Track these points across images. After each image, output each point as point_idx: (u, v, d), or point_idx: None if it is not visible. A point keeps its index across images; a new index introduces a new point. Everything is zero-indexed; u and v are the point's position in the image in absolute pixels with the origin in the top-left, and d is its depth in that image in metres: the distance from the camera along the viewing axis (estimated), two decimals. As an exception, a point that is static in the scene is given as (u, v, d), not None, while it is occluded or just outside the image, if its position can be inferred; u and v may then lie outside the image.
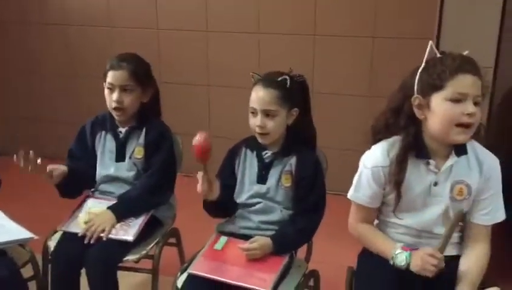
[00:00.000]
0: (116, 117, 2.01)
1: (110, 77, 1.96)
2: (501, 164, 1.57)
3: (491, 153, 1.55)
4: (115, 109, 1.97)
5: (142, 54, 2.07)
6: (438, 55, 1.49)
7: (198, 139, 1.59)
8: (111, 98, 1.97)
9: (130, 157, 2.02)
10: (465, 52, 1.49)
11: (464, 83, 1.41)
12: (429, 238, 1.55)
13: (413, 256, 1.47)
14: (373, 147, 1.58)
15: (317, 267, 1.94)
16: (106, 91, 1.99)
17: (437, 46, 2.23)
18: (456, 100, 1.41)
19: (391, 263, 1.50)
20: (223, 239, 1.77)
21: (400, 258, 1.48)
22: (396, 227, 1.58)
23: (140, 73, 1.98)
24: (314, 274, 1.90)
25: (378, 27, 3.02)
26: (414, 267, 1.45)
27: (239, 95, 2.13)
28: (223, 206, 1.81)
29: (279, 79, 1.76)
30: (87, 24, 3.59)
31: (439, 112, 1.43)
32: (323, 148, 1.95)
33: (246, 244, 1.66)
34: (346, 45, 3.10)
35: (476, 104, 1.43)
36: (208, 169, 1.63)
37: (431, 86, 1.44)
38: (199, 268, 1.66)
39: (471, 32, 2.16)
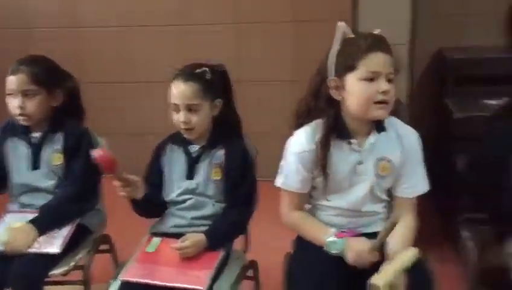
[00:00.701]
0: (22, 123, 1.89)
1: (9, 82, 1.84)
2: (423, 137, 1.62)
3: (410, 127, 1.59)
4: (19, 115, 1.85)
5: (63, 54, 1.95)
6: (351, 35, 1.50)
7: (95, 156, 1.54)
8: (13, 105, 1.85)
9: (46, 165, 1.90)
10: (377, 31, 1.52)
11: (376, 61, 1.44)
12: (359, 217, 1.58)
13: (347, 245, 1.47)
14: (297, 132, 1.58)
15: (257, 256, 1.93)
16: (7, 98, 1.86)
17: (354, 27, 2.29)
18: (370, 79, 1.43)
19: (325, 249, 1.51)
20: (156, 240, 1.72)
21: (333, 246, 1.49)
22: (327, 209, 1.60)
23: (42, 75, 1.85)
24: (253, 265, 1.89)
25: (298, 11, 3.04)
26: (349, 258, 1.47)
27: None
28: (152, 206, 1.75)
29: (199, 71, 1.72)
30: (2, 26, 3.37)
31: (354, 92, 1.45)
32: (252, 135, 1.94)
33: (178, 243, 1.62)
34: (267, 31, 3.10)
35: (389, 81, 1.45)
36: (120, 174, 1.58)
37: (344, 67, 1.46)
38: (130, 274, 1.60)
39: (386, 10, 2.22)
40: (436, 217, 2.85)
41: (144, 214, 1.79)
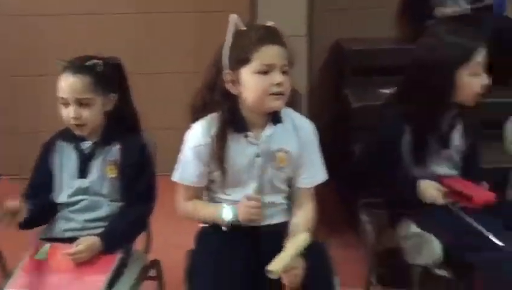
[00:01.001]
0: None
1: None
2: (325, 127, 1.65)
3: (305, 118, 1.60)
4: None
5: None
6: (243, 28, 1.48)
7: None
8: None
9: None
10: (270, 23, 1.51)
11: (269, 54, 1.43)
12: (265, 208, 1.56)
13: (238, 208, 1.48)
14: (193, 126, 1.54)
15: (159, 255, 1.87)
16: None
17: (252, 19, 2.29)
18: (264, 72, 1.43)
19: (221, 222, 1.50)
20: (46, 247, 1.59)
21: (226, 212, 1.49)
22: (226, 203, 1.57)
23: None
24: (154, 264, 1.83)
25: (199, 2, 2.98)
26: (241, 217, 1.47)
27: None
28: (41, 212, 1.63)
29: (89, 63, 1.63)
30: None
31: (249, 86, 1.44)
32: (154, 130, 1.87)
33: (72, 249, 1.52)
34: (168, 22, 3.02)
35: (284, 72, 1.45)
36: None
37: (238, 61, 1.44)
38: (17, 285, 1.48)
39: (283, 2, 2.23)
40: (339, 205, 2.96)
41: (35, 226, 1.66)
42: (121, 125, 1.71)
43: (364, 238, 2.17)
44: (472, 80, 1.66)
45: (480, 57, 1.65)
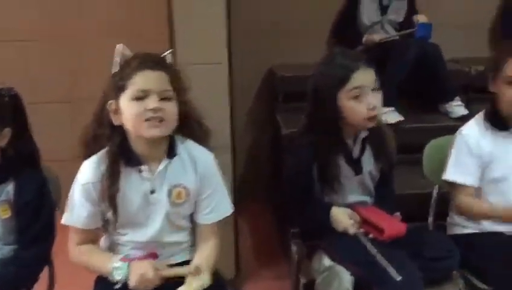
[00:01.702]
0: None
1: None
2: (261, 156, 1.58)
3: (204, 149, 1.54)
4: None
5: None
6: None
7: None
8: None
9: None
10: (168, 52, 1.46)
11: (144, 79, 1.38)
12: (162, 249, 1.49)
13: (130, 269, 1.38)
14: (85, 162, 1.46)
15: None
16: None
17: (172, 47, 2.24)
18: (139, 98, 1.37)
19: (111, 278, 1.40)
20: None
21: (117, 272, 1.39)
22: (126, 244, 1.49)
23: None
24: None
25: (117, 28, 2.88)
26: (132, 283, 1.37)
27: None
28: None
29: None
30: None
31: (126, 113, 1.38)
32: (57, 163, 1.76)
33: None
34: (86, 48, 2.92)
35: (165, 99, 1.39)
36: None
37: (117, 88, 1.39)
38: None
39: (202, 31, 2.19)
40: (276, 233, 2.92)
41: None
42: (17, 161, 1.61)
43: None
44: (354, 104, 1.62)
45: (359, 81, 1.62)
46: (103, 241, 1.55)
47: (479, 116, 1.82)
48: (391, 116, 2.82)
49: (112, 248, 1.52)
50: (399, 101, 2.88)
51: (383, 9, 3.15)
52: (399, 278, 1.43)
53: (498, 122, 1.76)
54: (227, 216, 1.55)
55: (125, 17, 2.79)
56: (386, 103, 2.81)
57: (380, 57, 2.91)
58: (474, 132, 1.78)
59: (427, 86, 2.91)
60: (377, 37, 3.04)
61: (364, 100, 1.62)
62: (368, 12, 3.14)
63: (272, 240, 2.88)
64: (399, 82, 2.86)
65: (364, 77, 1.64)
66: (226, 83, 2.26)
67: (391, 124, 2.80)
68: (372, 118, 1.65)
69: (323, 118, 1.67)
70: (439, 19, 3.18)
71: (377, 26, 3.15)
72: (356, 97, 1.62)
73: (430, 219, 2.06)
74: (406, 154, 2.23)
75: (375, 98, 1.65)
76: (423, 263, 1.59)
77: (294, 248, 2.08)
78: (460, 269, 1.74)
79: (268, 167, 3.15)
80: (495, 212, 1.75)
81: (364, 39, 3.08)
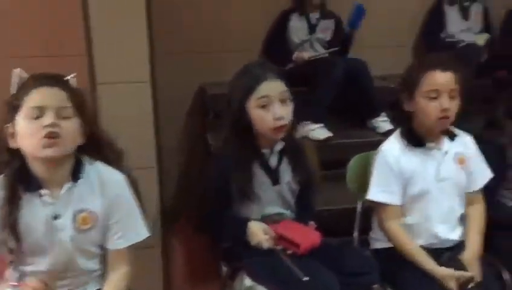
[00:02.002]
0: None
1: None
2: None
3: (115, 171, 1.47)
4: None
5: None
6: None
7: None
8: None
9: None
10: (71, 76, 1.40)
11: (39, 96, 1.32)
12: (73, 278, 1.42)
13: None
14: None
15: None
16: None
17: (91, 65, 2.17)
18: (35, 116, 1.30)
19: None
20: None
21: None
22: (33, 273, 1.40)
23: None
24: None
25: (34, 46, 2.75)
26: None
27: None
28: None
29: None
30: None
31: (22, 133, 1.31)
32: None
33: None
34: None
35: (64, 117, 1.33)
36: None
37: (13, 109, 1.32)
38: None
39: (123, 50, 2.13)
40: (209, 252, 2.86)
41: None
42: None
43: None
44: (261, 113, 1.65)
45: (266, 90, 1.65)
46: (10, 273, 1.45)
47: (397, 134, 1.84)
48: (320, 132, 2.85)
49: (22, 279, 1.42)
50: (328, 118, 2.91)
51: (312, 28, 3.21)
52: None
53: (414, 139, 1.79)
54: (141, 241, 1.48)
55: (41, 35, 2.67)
56: (315, 119, 2.92)
57: (310, 75, 2.97)
58: (393, 150, 1.80)
59: (355, 102, 2.97)
60: (306, 54, 3.08)
61: (271, 110, 1.65)
62: (297, 31, 3.19)
63: (205, 261, 2.81)
64: (328, 99, 2.90)
65: (272, 87, 1.67)
66: (149, 101, 2.20)
67: (320, 140, 2.85)
68: (278, 128, 1.67)
69: (238, 128, 1.69)
70: (367, 38, 3.30)
71: (306, 44, 3.20)
72: (263, 106, 1.65)
73: (355, 234, 2.07)
74: (335, 170, 2.26)
75: (283, 109, 1.67)
76: (343, 278, 1.59)
77: (224, 269, 2.04)
78: (382, 283, 1.76)
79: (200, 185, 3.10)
80: (418, 259, 1.71)
81: (294, 57, 3.11)
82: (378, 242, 1.89)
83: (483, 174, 1.84)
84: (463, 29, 3.35)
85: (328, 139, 2.84)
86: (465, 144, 1.84)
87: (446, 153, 1.79)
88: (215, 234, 1.78)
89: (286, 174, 1.77)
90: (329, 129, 2.87)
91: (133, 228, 1.46)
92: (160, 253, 2.41)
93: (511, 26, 3.43)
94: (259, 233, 1.65)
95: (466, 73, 2.94)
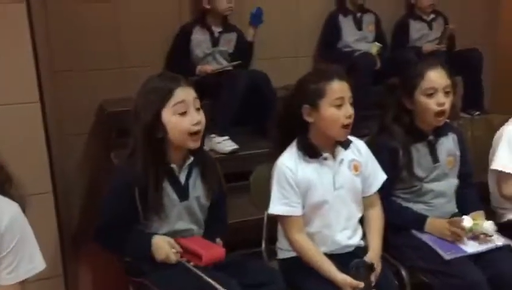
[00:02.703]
0: None
1: None
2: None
3: (6, 199, 1.32)
4: None
5: None
6: None
7: None
8: None
9: None
10: None
11: None
12: None
13: None
14: None
15: None
16: None
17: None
18: None
19: None
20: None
21: None
22: None
23: None
24: None
25: None
26: None
27: None
28: None
29: None
30: None
31: None
32: None
33: None
34: None
35: None
36: None
37: None
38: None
39: (9, 70, 2.01)
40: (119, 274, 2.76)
41: None
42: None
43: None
44: (179, 120, 1.64)
45: (181, 96, 1.64)
46: None
47: (293, 146, 1.88)
48: (226, 145, 2.85)
49: None
50: (233, 130, 2.93)
51: (215, 41, 3.22)
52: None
53: (310, 150, 1.83)
54: (40, 271, 1.37)
55: None
56: (220, 132, 2.92)
57: (214, 87, 2.97)
58: (289, 162, 1.82)
59: (259, 114, 3.01)
60: (209, 67, 3.08)
61: (188, 115, 1.65)
62: (200, 44, 3.18)
63: (113, 284, 2.71)
64: (232, 111, 2.92)
65: (187, 92, 1.66)
66: (40, 122, 2.08)
67: (226, 153, 2.85)
68: (195, 134, 1.66)
69: (148, 141, 1.64)
70: (268, 50, 3.37)
71: (209, 57, 3.20)
72: (180, 113, 1.63)
73: (263, 245, 2.09)
74: (243, 181, 2.27)
75: (199, 115, 1.67)
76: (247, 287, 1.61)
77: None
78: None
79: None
80: (321, 267, 1.75)
81: (197, 70, 3.10)
82: (284, 252, 1.92)
83: (378, 177, 1.92)
84: (357, 38, 3.52)
85: (234, 151, 2.85)
86: (359, 150, 1.91)
87: (341, 161, 1.85)
88: (117, 248, 1.73)
89: (196, 189, 1.76)
90: (235, 141, 2.88)
91: (27, 260, 1.35)
92: (64, 282, 2.29)
93: (399, 36, 3.68)
94: (165, 247, 1.63)
95: (362, 80, 3.19)
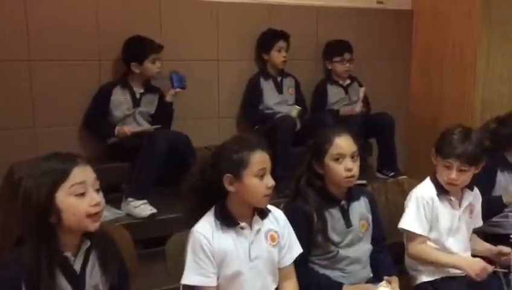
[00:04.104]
0: None
1: None
2: None
3: None
4: None
5: None
6: None
7: None
8: None
9: None
10: None
11: None
12: None
13: None
14: None
15: None
16: None
17: None
18: None
19: None
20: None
21: None
22: None
23: None
24: None
25: None
26: None
27: None
28: None
29: None
30: None
31: None
32: None
33: None
34: None
35: None
36: None
37: None
38: None
39: None
40: None
41: None
42: None
43: None
44: (76, 201, 1.52)
45: (80, 177, 1.53)
46: None
47: (211, 213, 1.84)
48: (144, 209, 2.77)
49: None
50: (152, 193, 2.86)
51: (136, 102, 3.18)
52: None
53: (227, 219, 1.80)
54: None
55: None
56: (139, 195, 2.83)
57: (133, 149, 2.91)
58: (205, 231, 1.77)
59: (179, 176, 2.95)
60: (128, 129, 3.02)
61: (87, 196, 1.53)
62: (120, 105, 3.13)
63: None
64: (152, 174, 2.85)
65: (85, 172, 1.55)
66: None
67: (144, 218, 2.76)
68: (94, 215, 1.55)
69: (38, 225, 1.48)
70: (190, 111, 3.38)
71: (130, 118, 3.15)
72: (79, 194, 1.52)
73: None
74: (161, 247, 2.18)
75: (100, 196, 1.58)
76: None
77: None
78: None
79: None
80: None
81: (116, 131, 3.04)
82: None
83: (294, 249, 1.91)
84: (278, 101, 3.63)
85: (152, 215, 2.76)
86: (277, 219, 1.90)
87: (258, 231, 1.83)
88: None
89: (93, 277, 1.61)
90: (154, 204, 2.80)
91: None
92: None
93: (318, 99, 3.83)
94: None
95: (282, 142, 3.25)
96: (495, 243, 2.32)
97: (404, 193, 2.45)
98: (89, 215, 1.54)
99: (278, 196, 1.96)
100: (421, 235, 2.18)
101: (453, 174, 2.15)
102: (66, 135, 3.09)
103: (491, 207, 2.40)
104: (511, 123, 2.65)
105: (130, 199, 2.79)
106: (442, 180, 2.21)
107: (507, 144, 2.65)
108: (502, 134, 2.63)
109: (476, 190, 2.32)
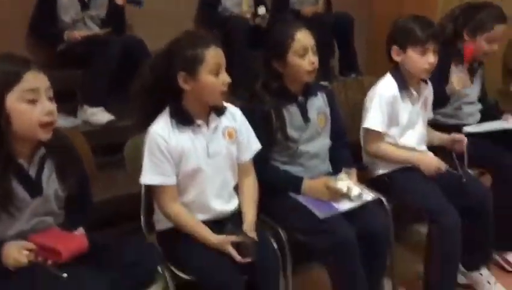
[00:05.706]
0: None
1: None
2: None
3: None
4: None
5: None
6: None
7: None
8: None
9: None
10: None
11: None
12: None
13: None
14: None
15: None
16: None
17: None
18: None
19: None
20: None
21: None
22: None
23: None
24: None
25: None
26: None
27: None
28: None
29: None
30: None
31: None
32: None
33: None
34: None
35: None
36: None
37: None
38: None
39: None
40: None
41: None
42: None
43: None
44: (29, 108, 1.46)
45: (33, 83, 1.46)
46: None
47: (166, 113, 1.80)
48: (101, 116, 2.70)
49: None
50: (108, 100, 2.77)
51: (84, 5, 2.98)
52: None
53: (183, 118, 1.76)
54: None
55: None
56: (94, 102, 2.74)
57: (84, 55, 2.77)
58: (161, 130, 1.74)
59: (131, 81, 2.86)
60: (78, 33, 2.86)
61: (40, 104, 1.47)
62: (68, 8, 2.93)
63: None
64: (105, 80, 2.75)
65: (38, 79, 1.48)
66: None
67: (102, 125, 2.69)
68: (46, 125, 1.49)
69: None
70: (145, 16, 3.20)
71: (79, 23, 2.97)
72: (30, 101, 1.45)
73: (142, 218, 2.01)
74: (119, 154, 2.15)
75: (53, 105, 1.51)
76: (122, 270, 1.53)
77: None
78: (166, 264, 1.75)
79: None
80: (198, 234, 1.73)
81: (65, 36, 2.87)
82: (161, 223, 1.86)
83: (252, 145, 1.91)
84: (235, 2, 3.49)
85: (110, 122, 2.70)
86: (233, 116, 1.88)
87: (215, 128, 1.81)
88: None
89: (50, 183, 1.58)
90: (111, 112, 2.73)
91: None
92: None
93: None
94: (11, 251, 1.45)
95: (236, 43, 3.16)
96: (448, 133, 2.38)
97: (363, 91, 2.44)
98: (41, 125, 1.48)
99: (235, 100, 1.92)
100: (381, 133, 2.21)
101: (432, 58, 2.14)
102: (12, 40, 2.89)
103: (437, 98, 2.41)
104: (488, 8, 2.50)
105: (86, 107, 2.70)
106: (418, 70, 2.18)
107: (474, 30, 2.49)
108: (475, 18, 2.49)
109: (429, 82, 2.33)
